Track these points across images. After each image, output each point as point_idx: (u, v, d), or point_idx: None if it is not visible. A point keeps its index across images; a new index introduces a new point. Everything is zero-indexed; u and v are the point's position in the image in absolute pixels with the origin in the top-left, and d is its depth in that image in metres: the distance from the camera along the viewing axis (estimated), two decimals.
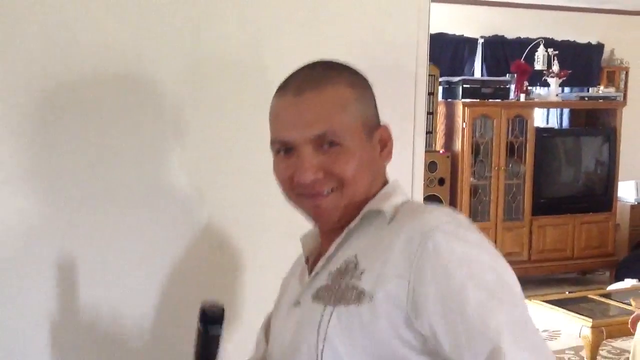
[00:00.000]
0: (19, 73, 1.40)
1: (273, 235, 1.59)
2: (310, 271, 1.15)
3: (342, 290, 1.05)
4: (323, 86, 1.09)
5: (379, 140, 1.14)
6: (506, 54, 6.27)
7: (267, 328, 1.28)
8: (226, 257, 1.60)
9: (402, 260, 1.01)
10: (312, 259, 1.19)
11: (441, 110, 5.71)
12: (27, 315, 1.44)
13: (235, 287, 1.62)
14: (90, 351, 1.49)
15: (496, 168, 5.78)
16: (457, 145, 5.67)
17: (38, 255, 1.44)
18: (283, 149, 1.11)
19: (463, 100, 5.65)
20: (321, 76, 1.11)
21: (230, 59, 1.56)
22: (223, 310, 1.14)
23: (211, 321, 1.13)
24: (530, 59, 6.18)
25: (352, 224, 1.11)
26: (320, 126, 1.07)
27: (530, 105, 5.99)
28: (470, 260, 1.01)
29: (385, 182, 1.17)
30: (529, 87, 6.06)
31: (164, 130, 1.53)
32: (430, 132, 5.43)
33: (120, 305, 1.50)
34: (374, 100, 1.16)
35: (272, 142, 1.12)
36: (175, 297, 1.54)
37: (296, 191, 1.11)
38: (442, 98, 5.73)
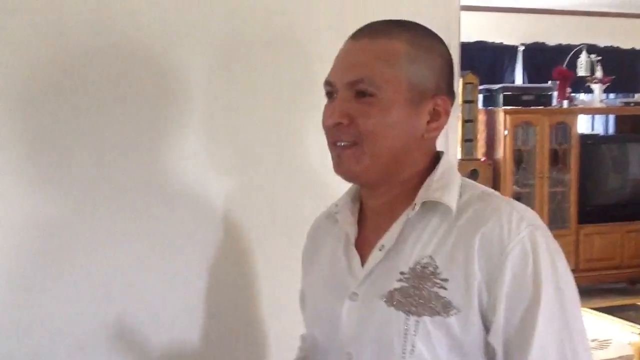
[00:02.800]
0: (34, 69, 1.40)
1: (295, 237, 1.60)
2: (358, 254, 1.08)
3: (424, 298, 0.99)
4: (379, 36, 1.05)
5: (430, 110, 1.06)
6: (547, 60, 6.19)
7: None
8: (248, 258, 1.59)
9: (484, 268, 0.98)
10: (354, 235, 1.11)
11: (481, 118, 5.67)
12: (49, 316, 1.45)
13: (255, 289, 1.61)
14: (109, 351, 1.49)
15: (540, 176, 5.70)
16: (499, 153, 5.61)
17: (57, 256, 1.45)
18: (328, 91, 1.08)
19: (504, 107, 5.60)
20: (383, 27, 1.07)
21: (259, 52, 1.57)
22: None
23: None
24: (572, 65, 6.10)
25: (411, 214, 1.04)
26: (358, 72, 1.03)
27: (574, 111, 5.90)
28: (554, 268, 1.00)
29: (434, 157, 1.10)
30: (572, 94, 5.98)
31: (185, 128, 1.53)
32: (470, 140, 5.40)
33: (137, 306, 1.50)
34: (440, 68, 1.07)
35: (324, 84, 1.09)
36: (195, 299, 1.55)
37: (327, 138, 1.08)
38: (482, 106, 5.69)
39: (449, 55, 1.11)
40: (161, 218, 1.51)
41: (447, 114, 1.08)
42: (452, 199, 1.04)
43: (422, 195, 1.05)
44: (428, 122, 1.06)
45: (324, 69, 1.10)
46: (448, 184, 1.06)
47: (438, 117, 1.07)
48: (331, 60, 1.10)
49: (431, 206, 1.04)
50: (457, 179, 1.08)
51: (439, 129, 1.08)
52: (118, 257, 1.48)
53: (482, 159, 5.56)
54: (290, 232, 1.51)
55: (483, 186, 1.11)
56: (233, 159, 1.58)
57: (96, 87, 1.45)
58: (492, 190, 1.10)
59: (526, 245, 0.99)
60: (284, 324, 1.51)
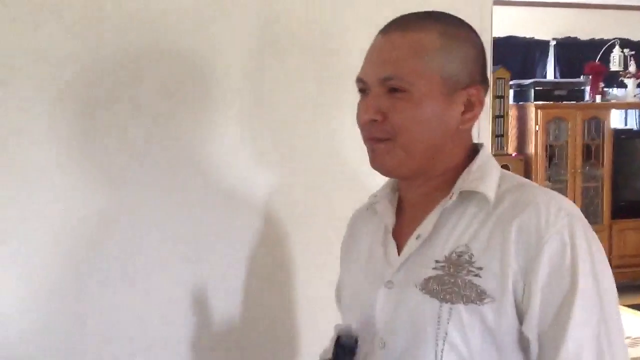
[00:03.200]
0: (94, 69, 1.44)
1: (330, 230, 1.61)
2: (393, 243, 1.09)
3: (459, 286, 0.99)
4: (409, 30, 1.04)
5: (464, 101, 1.05)
6: (579, 55, 6.12)
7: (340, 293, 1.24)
8: (285, 249, 1.63)
9: (520, 257, 0.97)
10: (392, 225, 1.12)
11: (513, 113, 5.63)
12: (107, 313, 1.49)
13: (290, 278, 1.64)
14: (169, 346, 1.54)
15: (572, 171, 5.65)
16: (530, 148, 5.57)
17: (115, 255, 1.49)
18: (361, 88, 1.08)
19: (535, 102, 5.56)
20: (413, 20, 1.06)
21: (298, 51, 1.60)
22: (357, 341, 1.10)
23: (347, 351, 1.09)
24: (605, 60, 6.03)
25: (448, 203, 1.04)
26: (389, 68, 1.03)
27: (607, 106, 5.82)
28: (592, 260, 0.98)
29: (471, 149, 1.09)
30: (605, 89, 5.91)
31: (227, 126, 1.56)
32: (501, 135, 5.37)
33: (183, 297, 1.53)
34: (473, 58, 1.06)
35: (356, 81, 1.09)
36: (236, 287, 1.58)
37: (362, 133, 1.08)
38: (513, 101, 5.65)
39: (481, 43, 1.10)
40: (205, 211, 1.55)
41: (482, 103, 1.07)
42: (489, 189, 1.03)
43: (459, 185, 1.05)
44: (462, 113, 1.05)
45: (357, 65, 1.11)
46: (486, 174, 1.05)
47: (472, 108, 1.06)
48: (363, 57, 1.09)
49: (468, 196, 1.04)
50: (496, 170, 1.07)
51: (473, 119, 1.07)
52: (164, 251, 1.52)
53: (513, 154, 5.53)
54: (326, 225, 1.54)
55: (522, 177, 1.10)
56: (273, 154, 1.61)
57: (147, 88, 1.49)
58: (531, 182, 1.09)
59: (564, 236, 0.98)
60: (317, 313, 1.55)
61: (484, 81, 1.09)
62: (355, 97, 1.11)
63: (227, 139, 1.56)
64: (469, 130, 1.10)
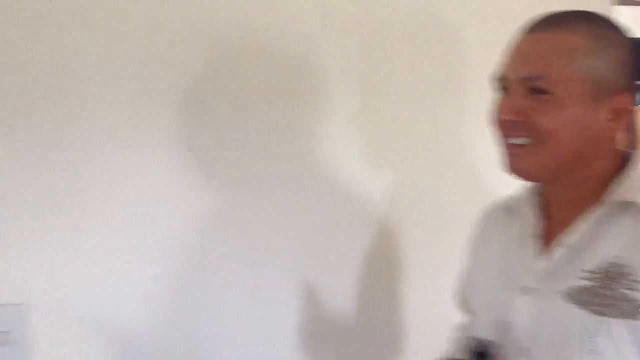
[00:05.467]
0: (208, 70, 1.44)
1: (442, 230, 1.60)
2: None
3: (612, 299, 0.95)
4: (557, 29, 1.00)
5: (611, 107, 1.00)
6: None
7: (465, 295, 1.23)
8: (396, 250, 1.62)
9: None
10: (535, 229, 1.08)
11: None
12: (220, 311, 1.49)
13: (402, 278, 1.64)
14: (284, 341, 1.53)
15: None
16: None
17: (224, 255, 1.49)
18: (501, 86, 1.04)
19: None
20: (562, 19, 1.02)
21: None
22: (492, 346, 1.07)
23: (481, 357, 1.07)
24: None
25: (599, 212, 1.00)
26: (533, 68, 0.99)
27: None
28: None
29: (619, 157, 1.05)
30: None
31: (340, 126, 1.56)
32: None
33: (294, 293, 1.53)
34: (624, 62, 1.01)
35: (495, 79, 1.06)
36: (347, 286, 1.58)
37: (498, 132, 1.04)
38: None
39: (632, 47, 1.04)
40: (320, 213, 1.56)
41: (630, 111, 1.02)
42: None
43: (613, 194, 1.01)
44: (608, 120, 1.01)
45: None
46: None
47: (619, 115, 1.01)
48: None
49: (623, 206, 1.00)
50: None
51: (620, 127, 1.02)
52: (280, 252, 1.53)
53: None
54: (444, 226, 1.52)
55: None
56: (389, 154, 1.61)
57: (260, 89, 1.50)
58: None
59: None
60: (426, 313, 1.55)
61: (633, 88, 1.03)
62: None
63: (341, 140, 1.57)
64: (616, 137, 1.04)
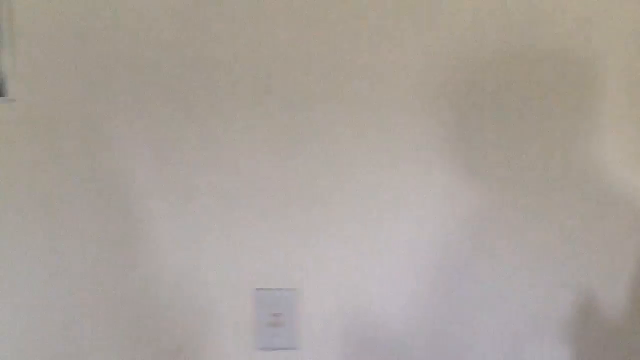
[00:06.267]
0: (469, 70, 1.42)
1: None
2: None
3: None
4: None
5: None
6: None
7: None
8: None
9: None
10: None
11: None
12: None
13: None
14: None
15: None
16: None
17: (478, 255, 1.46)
18: None
19: None
20: None
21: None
22: None
23: None
24: None
25: None
26: None
27: None
28: None
29: None
30: None
31: (615, 127, 1.44)
32: None
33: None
34: None
35: None
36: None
37: None
38: None
39: None
40: (573, 216, 1.48)
41: None
42: None
43: None
44: None
45: None
46: None
47: None
48: None
49: None
50: None
51: None
52: (525, 254, 1.48)
53: None
54: None
55: None
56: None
57: (519, 90, 1.45)
58: None
59: None
60: None
61: None
62: None
63: (603, 141, 1.46)
64: None
